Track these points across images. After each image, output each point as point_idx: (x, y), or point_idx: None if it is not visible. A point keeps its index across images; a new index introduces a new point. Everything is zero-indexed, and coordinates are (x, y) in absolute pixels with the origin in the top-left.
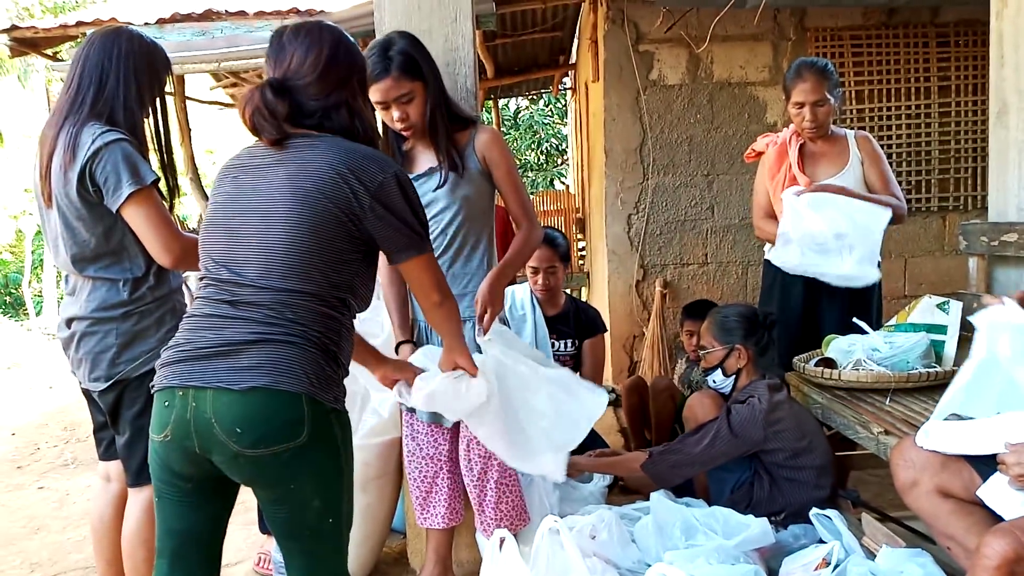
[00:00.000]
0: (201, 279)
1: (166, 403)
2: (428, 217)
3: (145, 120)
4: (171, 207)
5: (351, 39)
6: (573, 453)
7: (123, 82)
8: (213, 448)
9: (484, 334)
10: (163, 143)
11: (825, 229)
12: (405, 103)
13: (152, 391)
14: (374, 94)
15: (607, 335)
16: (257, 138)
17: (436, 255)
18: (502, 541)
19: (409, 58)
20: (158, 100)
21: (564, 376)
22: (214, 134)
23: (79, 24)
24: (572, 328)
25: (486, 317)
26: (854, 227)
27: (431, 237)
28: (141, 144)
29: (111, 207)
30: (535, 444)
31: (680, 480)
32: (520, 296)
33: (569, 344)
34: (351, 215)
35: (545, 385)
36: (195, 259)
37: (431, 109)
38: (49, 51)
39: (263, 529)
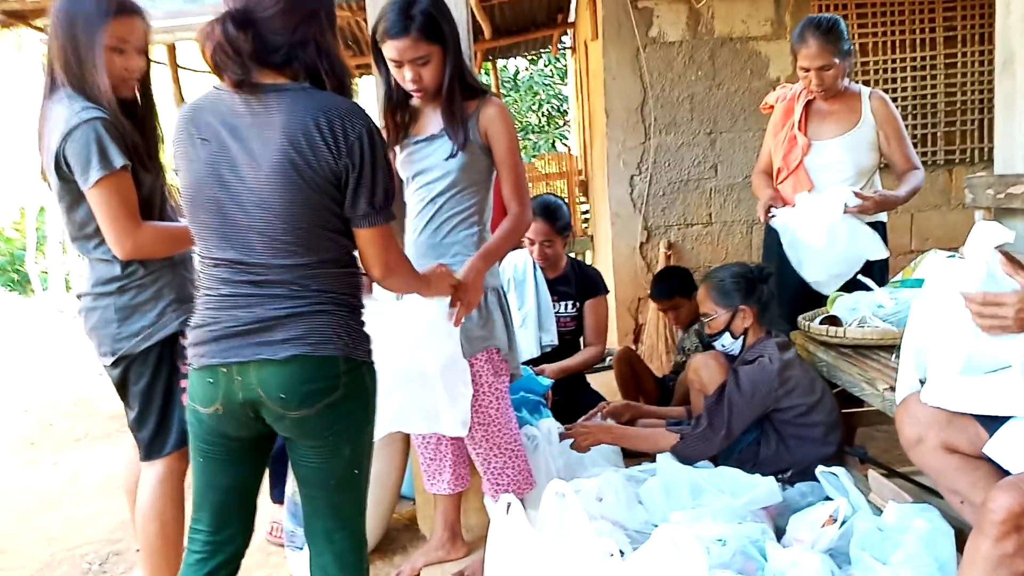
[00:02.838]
0: (203, 258)
1: (211, 380)
2: (421, 184)
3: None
4: (139, 184)
5: None
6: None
7: (69, 44)
8: (263, 412)
9: (456, 325)
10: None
11: (819, 243)
12: (420, 65)
13: (191, 368)
14: (389, 51)
15: (611, 298)
16: (219, 77)
17: (424, 223)
18: (508, 506)
19: (431, 19)
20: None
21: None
22: None
23: None
24: (573, 289)
25: (460, 308)
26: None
27: (421, 203)
28: (120, 113)
29: (83, 189)
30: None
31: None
32: (521, 260)
33: (570, 306)
34: (335, 177)
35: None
36: (160, 249)
37: (449, 77)
38: (39, 23)
39: (275, 499)
